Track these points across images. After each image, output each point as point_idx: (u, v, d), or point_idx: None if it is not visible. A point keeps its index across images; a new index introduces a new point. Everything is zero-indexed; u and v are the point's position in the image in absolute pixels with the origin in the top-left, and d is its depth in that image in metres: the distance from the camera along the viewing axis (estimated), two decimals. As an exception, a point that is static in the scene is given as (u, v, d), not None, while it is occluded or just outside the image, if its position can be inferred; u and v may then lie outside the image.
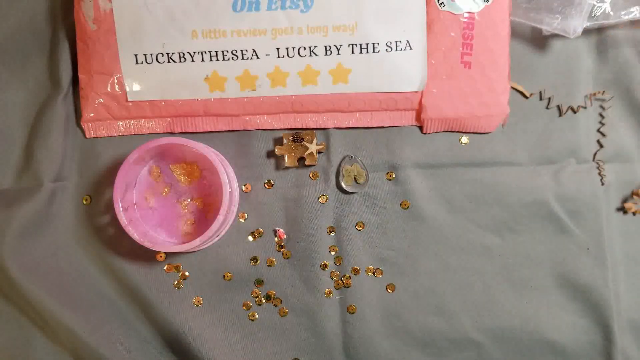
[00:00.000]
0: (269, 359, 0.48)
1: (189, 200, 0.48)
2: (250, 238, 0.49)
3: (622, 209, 0.49)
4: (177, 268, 0.48)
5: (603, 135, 0.49)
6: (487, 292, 0.48)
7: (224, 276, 0.48)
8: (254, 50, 0.46)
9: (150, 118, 0.48)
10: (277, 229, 0.49)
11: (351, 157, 0.48)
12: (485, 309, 0.48)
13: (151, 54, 0.46)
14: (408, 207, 0.48)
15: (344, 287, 0.48)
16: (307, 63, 0.46)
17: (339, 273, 0.48)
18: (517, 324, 0.48)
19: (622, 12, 0.46)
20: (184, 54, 0.46)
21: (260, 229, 0.49)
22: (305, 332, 0.48)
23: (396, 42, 0.46)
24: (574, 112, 0.49)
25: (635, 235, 0.49)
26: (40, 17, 0.48)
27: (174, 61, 0.46)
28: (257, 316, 0.49)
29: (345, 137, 0.49)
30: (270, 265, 0.49)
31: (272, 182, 0.49)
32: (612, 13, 0.46)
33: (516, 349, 0.48)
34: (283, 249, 0.49)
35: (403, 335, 0.48)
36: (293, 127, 0.48)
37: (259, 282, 0.49)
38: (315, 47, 0.46)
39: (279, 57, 0.46)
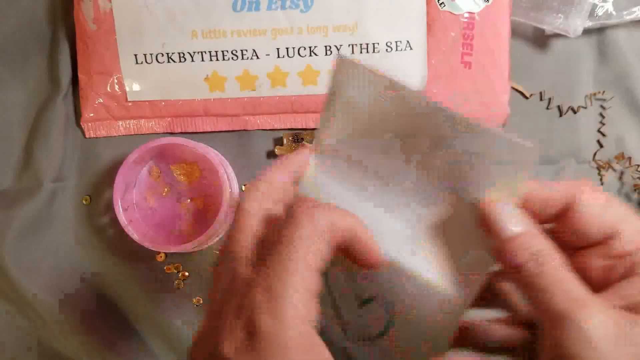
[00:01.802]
0: (269, 359, 0.48)
1: (189, 200, 0.48)
2: (250, 238, 0.49)
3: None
4: (177, 268, 0.48)
5: (603, 135, 0.49)
6: (487, 292, 0.48)
7: (224, 276, 0.48)
8: (254, 50, 0.46)
9: (150, 118, 0.48)
10: (277, 229, 0.48)
11: (351, 157, 0.48)
12: (485, 309, 0.48)
13: (151, 54, 0.46)
14: (408, 207, 0.48)
15: (344, 287, 0.48)
16: (307, 63, 0.46)
17: (339, 273, 0.48)
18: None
19: (625, 12, 0.46)
20: (184, 54, 0.46)
21: (260, 229, 0.49)
22: (305, 332, 0.48)
23: (396, 42, 0.46)
24: (574, 112, 0.49)
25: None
26: (40, 17, 0.48)
27: (174, 61, 0.46)
28: (257, 316, 0.48)
29: (345, 137, 0.49)
30: (270, 265, 0.48)
31: (272, 182, 0.49)
32: (614, 13, 0.46)
33: (516, 349, 0.48)
34: (283, 249, 0.48)
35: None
36: (293, 127, 0.48)
37: (259, 282, 0.48)
38: (315, 47, 0.46)
39: (279, 57, 0.46)
